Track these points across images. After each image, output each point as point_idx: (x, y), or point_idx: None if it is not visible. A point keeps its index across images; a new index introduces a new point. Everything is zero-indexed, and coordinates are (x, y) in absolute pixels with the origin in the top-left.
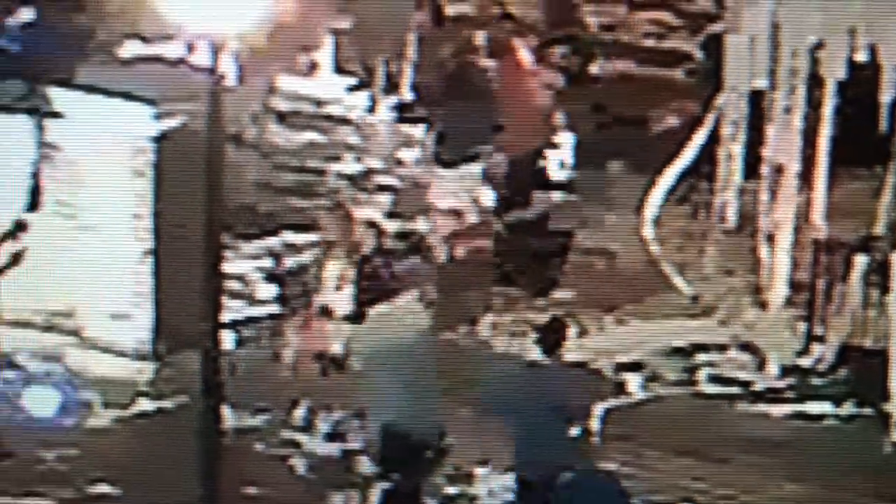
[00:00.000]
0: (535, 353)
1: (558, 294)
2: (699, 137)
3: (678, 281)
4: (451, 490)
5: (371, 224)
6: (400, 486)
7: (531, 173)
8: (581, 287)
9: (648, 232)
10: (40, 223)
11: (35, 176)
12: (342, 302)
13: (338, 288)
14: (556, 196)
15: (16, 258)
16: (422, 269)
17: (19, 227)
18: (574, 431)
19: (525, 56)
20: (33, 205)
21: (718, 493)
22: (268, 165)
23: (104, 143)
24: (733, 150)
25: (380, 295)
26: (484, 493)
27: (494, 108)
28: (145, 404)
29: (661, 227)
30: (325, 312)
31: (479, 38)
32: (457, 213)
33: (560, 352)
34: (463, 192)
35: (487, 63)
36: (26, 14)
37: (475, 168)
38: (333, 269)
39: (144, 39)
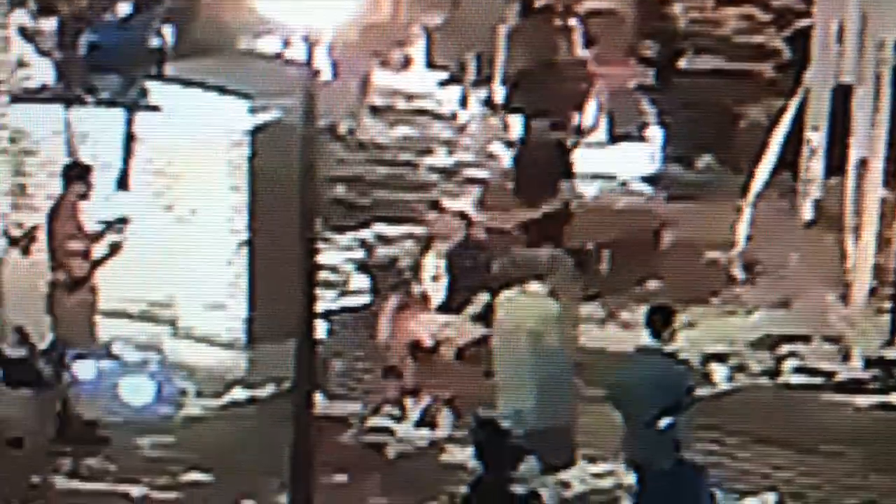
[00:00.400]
0: (644, 340)
1: (650, 285)
2: (783, 132)
3: (737, 270)
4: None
5: (461, 215)
6: (490, 476)
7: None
8: (670, 279)
9: (742, 226)
10: (138, 215)
11: (126, 162)
12: (437, 292)
13: (434, 279)
14: (647, 189)
15: (114, 249)
16: (555, 257)
17: (121, 220)
18: (663, 423)
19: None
20: (122, 185)
21: (802, 483)
22: (361, 159)
23: (201, 137)
24: (816, 145)
25: (477, 286)
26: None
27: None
28: (238, 393)
29: (752, 220)
30: (420, 302)
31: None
32: None
33: (671, 336)
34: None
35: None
36: (123, 9)
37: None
38: (430, 259)
39: (244, 35)
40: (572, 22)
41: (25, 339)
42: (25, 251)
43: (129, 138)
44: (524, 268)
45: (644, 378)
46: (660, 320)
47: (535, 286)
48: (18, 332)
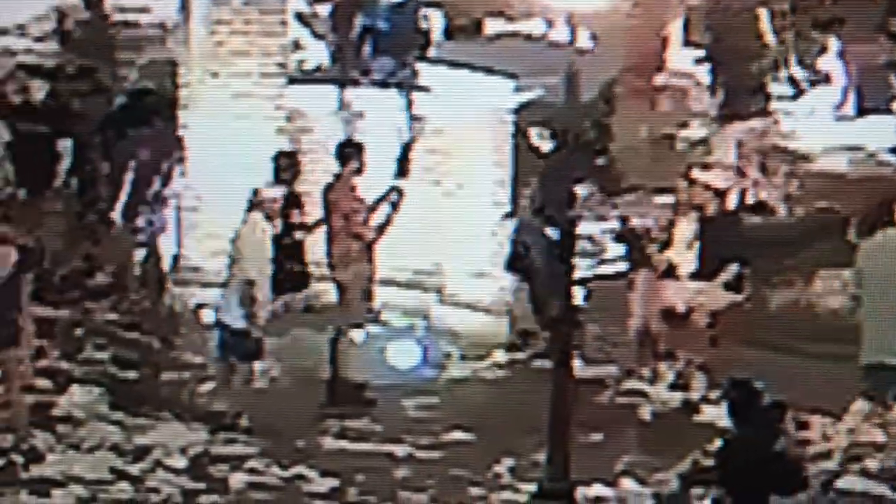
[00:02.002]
0: None
1: None
2: None
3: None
4: None
5: (711, 188)
6: (743, 434)
7: None
8: None
9: None
10: (408, 189)
11: (404, 146)
12: (688, 261)
13: (688, 247)
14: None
15: (389, 219)
16: None
17: (396, 191)
18: None
19: None
20: (402, 172)
21: None
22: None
23: (468, 115)
24: None
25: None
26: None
27: None
28: (499, 356)
29: None
30: (669, 270)
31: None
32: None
33: None
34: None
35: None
36: None
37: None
38: (683, 229)
39: (509, 18)
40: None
41: (252, 300)
42: (269, 217)
43: (411, 120)
44: None
45: None
46: None
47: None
48: (249, 285)
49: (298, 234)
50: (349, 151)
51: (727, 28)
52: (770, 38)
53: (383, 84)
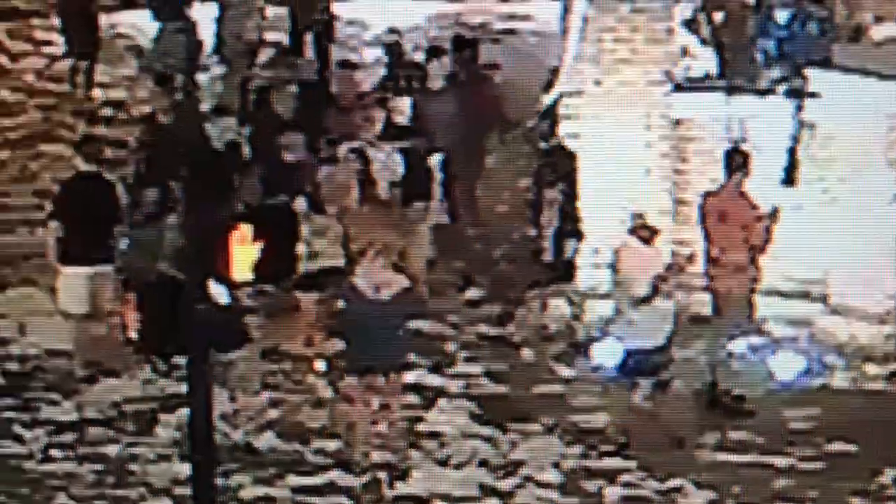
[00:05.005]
0: None
1: None
2: None
3: None
4: None
5: None
6: None
7: None
8: None
9: None
10: (793, 197)
11: (792, 153)
12: None
13: None
14: None
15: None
16: None
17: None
18: None
19: None
20: (789, 181)
21: None
22: None
23: (858, 122)
24: None
25: None
26: None
27: None
28: (872, 368)
29: None
30: None
31: None
32: None
33: None
34: None
35: None
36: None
37: None
38: None
39: None
40: None
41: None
42: (646, 241)
43: (799, 127)
44: None
45: None
46: None
47: None
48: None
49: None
50: (735, 160)
51: None
52: None
53: (770, 91)
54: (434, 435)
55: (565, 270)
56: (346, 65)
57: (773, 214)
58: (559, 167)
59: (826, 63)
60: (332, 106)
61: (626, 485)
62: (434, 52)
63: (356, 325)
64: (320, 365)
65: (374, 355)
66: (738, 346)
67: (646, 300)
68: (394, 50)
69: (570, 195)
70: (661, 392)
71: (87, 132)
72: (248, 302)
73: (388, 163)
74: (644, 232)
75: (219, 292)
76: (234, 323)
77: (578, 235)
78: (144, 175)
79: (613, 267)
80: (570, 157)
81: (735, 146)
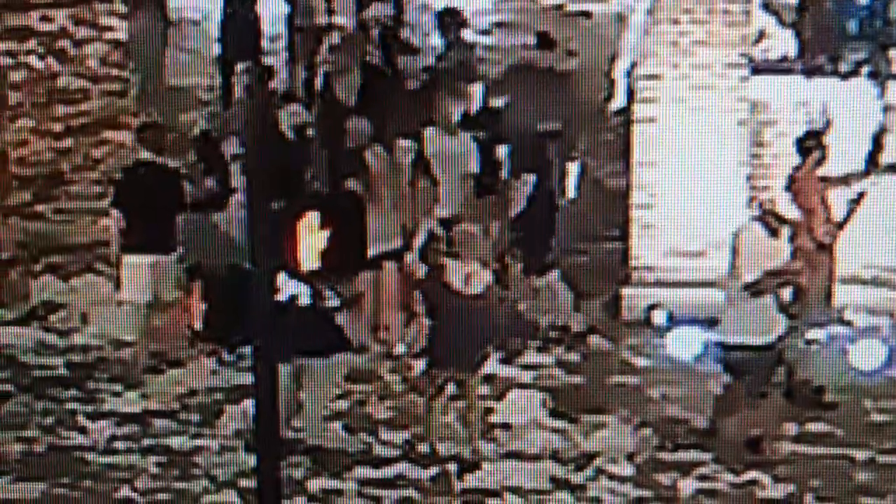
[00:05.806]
0: None
1: None
2: None
3: None
4: None
5: None
6: None
7: None
8: None
9: None
10: (875, 183)
11: (877, 138)
12: None
13: None
14: None
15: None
16: None
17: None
18: None
19: None
20: (874, 165)
21: None
22: None
23: None
24: None
25: None
26: None
27: None
28: None
29: None
30: None
31: None
32: None
33: None
34: None
35: None
36: None
37: None
38: None
39: None
40: None
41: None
42: (774, 232)
43: (885, 111)
44: None
45: None
46: None
47: None
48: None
49: None
50: (811, 144)
51: None
52: None
53: (853, 73)
54: (505, 427)
55: None
56: (411, 50)
57: (858, 199)
58: None
59: None
60: (398, 92)
61: (702, 478)
62: None
63: (445, 315)
64: (401, 348)
65: (458, 348)
66: (818, 335)
67: (758, 293)
68: (457, 37)
69: None
70: (758, 396)
71: (147, 120)
72: (330, 299)
73: (461, 151)
74: (773, 221)
75: (298, 291)
76: (327, 325)
77: None
78: (206, 162)
79: (733, 251)
80: None
81: (809, 130)
